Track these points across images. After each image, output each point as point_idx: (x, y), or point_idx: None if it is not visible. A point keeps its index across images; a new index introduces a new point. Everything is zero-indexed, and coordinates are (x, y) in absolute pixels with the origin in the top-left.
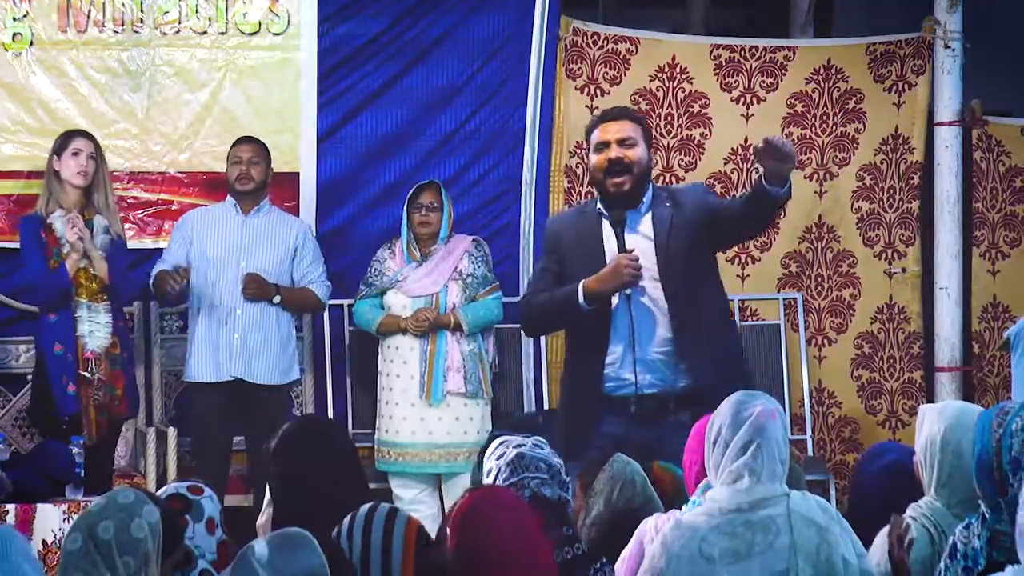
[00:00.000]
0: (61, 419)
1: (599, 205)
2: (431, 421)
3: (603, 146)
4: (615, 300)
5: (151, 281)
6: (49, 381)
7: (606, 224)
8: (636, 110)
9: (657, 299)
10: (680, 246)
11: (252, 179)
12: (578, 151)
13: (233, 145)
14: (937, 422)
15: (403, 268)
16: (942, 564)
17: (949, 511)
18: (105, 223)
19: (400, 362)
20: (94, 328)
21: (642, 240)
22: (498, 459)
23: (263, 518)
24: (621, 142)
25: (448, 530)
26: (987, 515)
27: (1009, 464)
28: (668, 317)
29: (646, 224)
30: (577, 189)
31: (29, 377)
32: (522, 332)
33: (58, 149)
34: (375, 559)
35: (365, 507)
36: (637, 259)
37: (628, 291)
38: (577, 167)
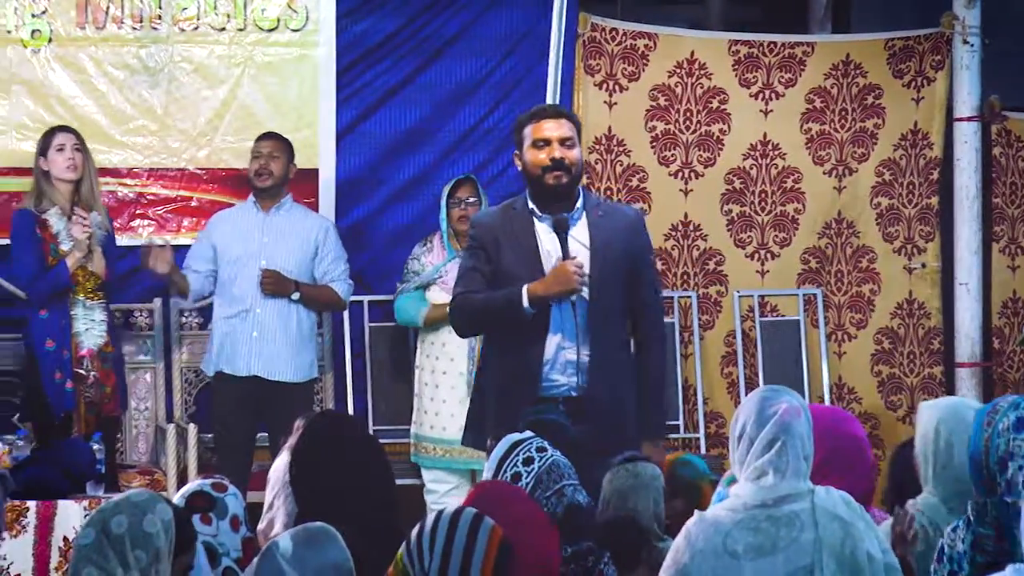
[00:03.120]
0: (54, 416)
1: (531, 204)
2: None
3: (543, 143)
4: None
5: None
6: (40, 378)
7: (538, 223)
8: (571, 110)
9: (585, 304)
10: (610, 262)
11: (271, 174)
12: (597, 147)
13: (255, 141)
14: (931, 417)
15: (444, 263)
16: (932, 567)
17: (944, 505)
18: (99, 218)
19: (447, 359)
20: (90, 326)
21: (576, 244)
22: (526, 466)
23: (263, 523)
24: (562, 141)
25: None
26: (972, 518)
27: (997, 463)
28: (591, 322)
29: (580, 229)
30: (596, 185)
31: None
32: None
33: (42, 149)
34: (455, 565)
35: (448, 510)
36: (582, 265)
37: (572, 298)
38: (596, 163)
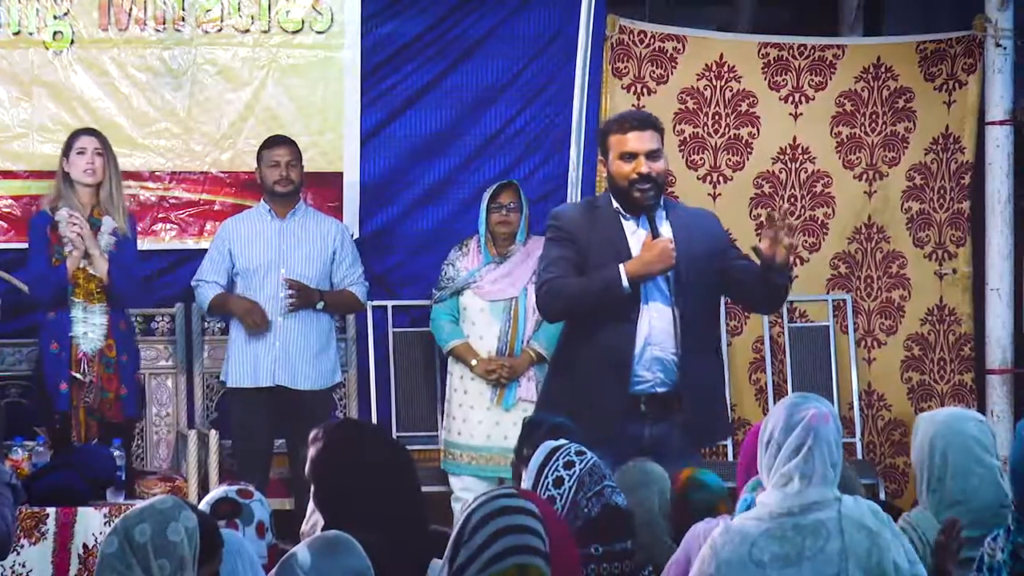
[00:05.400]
0: (55, 420)
1: (615, 204)
2: (506, 426)
3: (631, 156)
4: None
5: (206, 305)
6: (45, 380)
7: (625, 223)
8: (657, 117)
9: (669, 300)
10: (693, 262)
11: (291, 181)
12: None
13: (264, 148)
14: (927, 428)
15: (480, 267)
16: None
17: (936, 517)
18: (113, 224)
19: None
20: (88, 329)
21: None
22: (567, 469)
23: (307, 525)
24: (649, 155)
25: None
26: (1012, 527)
27: None
28: (677, 319)
29: (664, 230)
30: None
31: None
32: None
33: (66, 150)
34: None
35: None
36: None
37: (668, 273)
38: None
